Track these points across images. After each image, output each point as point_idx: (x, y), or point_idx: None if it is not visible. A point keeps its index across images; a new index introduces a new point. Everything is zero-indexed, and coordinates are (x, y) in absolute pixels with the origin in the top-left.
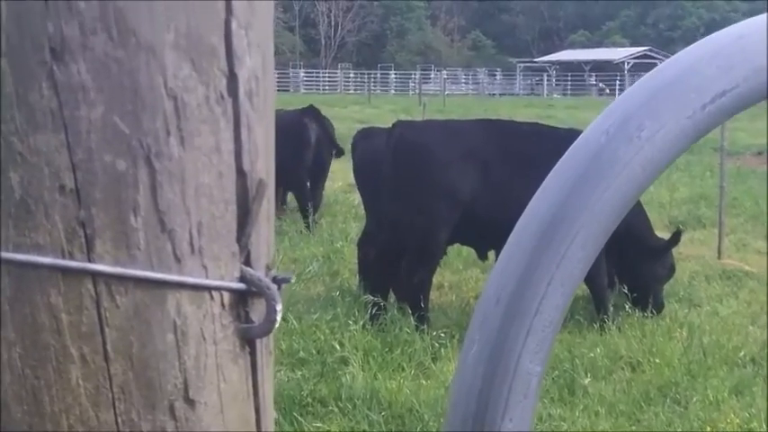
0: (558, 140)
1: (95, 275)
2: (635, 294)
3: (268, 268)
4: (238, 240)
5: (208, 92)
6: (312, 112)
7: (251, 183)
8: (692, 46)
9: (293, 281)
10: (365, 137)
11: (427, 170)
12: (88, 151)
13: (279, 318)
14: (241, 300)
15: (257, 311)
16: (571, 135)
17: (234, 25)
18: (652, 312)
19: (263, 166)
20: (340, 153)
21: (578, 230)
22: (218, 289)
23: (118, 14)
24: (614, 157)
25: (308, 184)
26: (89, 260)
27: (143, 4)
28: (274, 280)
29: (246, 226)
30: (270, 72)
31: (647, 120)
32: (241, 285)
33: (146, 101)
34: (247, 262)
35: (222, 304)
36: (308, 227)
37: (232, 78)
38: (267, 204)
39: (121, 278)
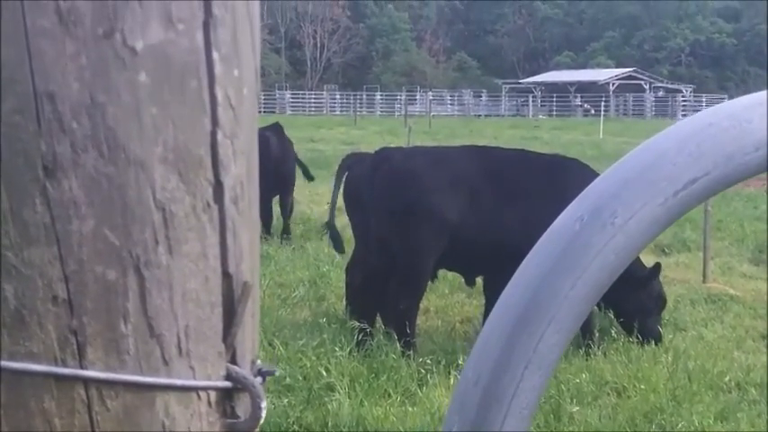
0: (543, 167)
1: (87, 381)
2: (622, 322)
3: (253, 362)
4: (224, 340)
5: (195, 201)
6: (275, 127)
7: (236, 284)
8: (662, 132)
9: (281, 308)
10: (357, 161)
11: (413, 197)
12: (80, 263)
13: (264, 414)
14: (227, 396)
15: (243, 406)
16: (556, 161)
17: (220, 136)
18: (648, 341)
19: (248, 267)
20: (309, 176)
21: (553, 316)
22: (205, 389)
23: (108, 132)
24: (588, 243)
25: (278, 195)
26: (81, 366)
27: (133, 121)
28: (259, 372)
29: (232, 326)
30: (254, 177)
31: (620, 207)
32: (227, 384)
33: (135, 213)
34: (233, 359)
35: (209, 402)
36: (287, 239)
37: (218, 186)
38: (252, 303)
39: (112, 383)
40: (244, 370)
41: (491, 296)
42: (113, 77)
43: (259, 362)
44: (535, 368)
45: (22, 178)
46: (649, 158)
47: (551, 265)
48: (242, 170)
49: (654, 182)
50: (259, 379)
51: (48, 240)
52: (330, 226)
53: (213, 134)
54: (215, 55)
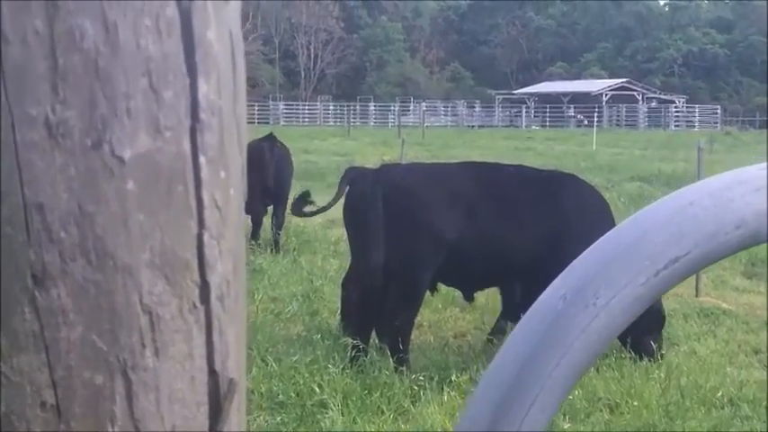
0: (541, 183)
1: None
2: (622, 339)
3: None
4: None
5: (181, 303)
6: (270, 138)
7: (222, 381)
8: (643, 211)
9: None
10: (358, 175)
11: (411, 213)
12: (68, 369)
13: None
14: None
15: None
16: (554, 177)
17: (206, 237)
18: (648, 358)
19: (235, 364)
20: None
21: (537, 394)
22: None
23: (97, 241)
24: (571, 323)
25: (272, 206)
26: None
27: (121, 228)
28: None
29: (218, 423)
30: (241, 272)
31: (603, 287)
32: None
33: (122, 318)
34: None
35: None
36: (276, 249)
37: (204, 287)
38: (238, 398)
39: None
40: None
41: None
42: (102, 187)
43: None
44: None
45: (11, 288)
46: (631, 237)
47: (535, 344)
48: (228, 268)
49: (636, 261)
50: None
51: (36, 348)
52: (303, 200)
53: (200, 236)
54: (201, 159)
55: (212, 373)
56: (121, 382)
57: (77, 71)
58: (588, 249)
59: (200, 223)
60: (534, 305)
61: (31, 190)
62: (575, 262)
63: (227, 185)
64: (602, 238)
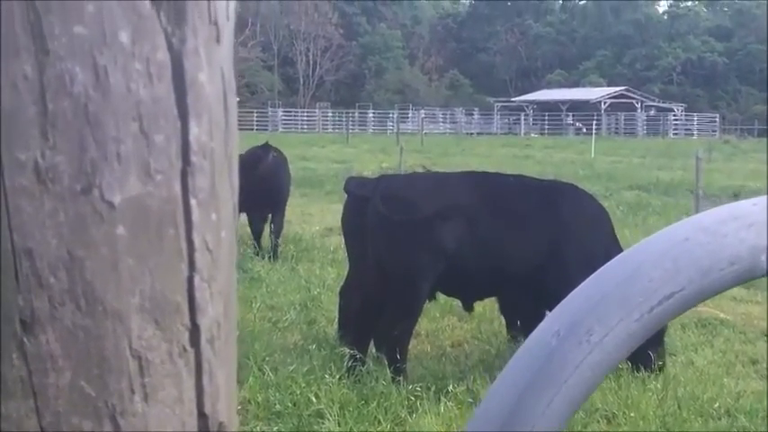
0: (541, 192)
1: None
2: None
3: None
4: None
5: (171, 347)
6: (267, 147)
7: (212, 424)
8: (638, 245)
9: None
10: (357, 185)
11: (410, 224)
12: (56, 415)
13: None
14: None
15: None
16: (554, 187)
17: (197, 280)
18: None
19: (225, 407)
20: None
21: (531, 430)
22: None
23: (86, 286)
24: (565, 360)
25: (270, 213)
26: None
27: (110, 273)
28: None
29: None
30: (232, 314)
31: (596, 324)
32: None
33: (111, 364)
34: None
35: None
36: (274, 256)
37: (194, 330)
38: None
39: None
40: None
41: (522, 321)
42: (91, 232)
43: None
44: None
45: None
46: (626, 272)
47: (528, 380)
48: (219, 310)
49: (629, 297)
50: None
51: (24, 394)
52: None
53: (190, 279)
54: (192, 202)
55: (202, 416)
56: (110, 427)
57: (67, 116)
58: (582, 285)
59: (191, 266)
60: (527, 341)
61: (19, 235)
62: (568, 297)
63: (219, 227)
64: (595, 273)
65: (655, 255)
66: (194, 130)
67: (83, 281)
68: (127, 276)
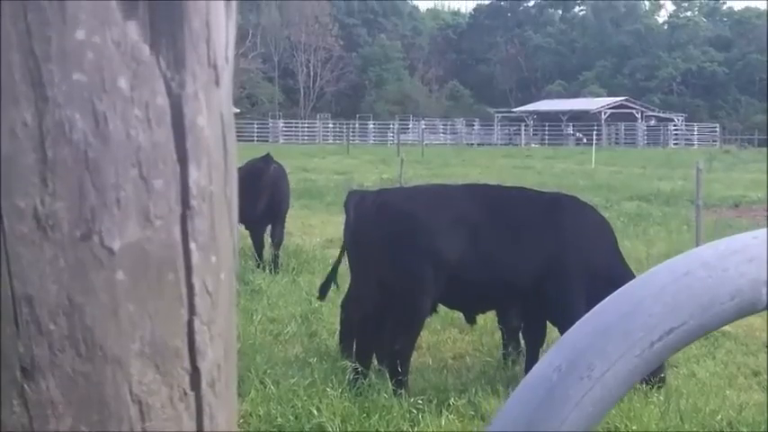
0: (543, 205)
1: None
2: None
3: None
4: None
5: (171, 392)
6: (267, 159)
7: None
8: (638, 280)
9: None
10: (358, 199)
11: (412, 238)
12: None
13: None
14: None
15: None
16: (556, 199)
17: (197, 324)
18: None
19: None
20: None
21: None
22: None
23: (86, 332)
24: (566, 395)
25: (270, 224)
26: None
27: (110, 319)
28: None
29: None
30: (232, 356)
31: (597, 359)
32: None
33: (111, 409)
34: None
35: None
36: (275, 267)
37: (195, 373)
38: None
39: None
40: None
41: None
42: (91, 278)
43: None
44: None
45: None
46: (626, 307)
47: (530, 416)
48: (219, 353)
49: (630, 332)
50: None
51: None
52: (332, 269)
53: (190, 323)
54: (192, 245)
55: None
56: None
57: (67, 163)
58: (583, 319)
59: (191, 310)
60: (528, 376)
61: (19, 282)
62: (569, 332)
63: (218, 269)
64: (596, 307)
65: (655, 289)
66: (194, 174)
67: (83, 327)
68: (127, 322)
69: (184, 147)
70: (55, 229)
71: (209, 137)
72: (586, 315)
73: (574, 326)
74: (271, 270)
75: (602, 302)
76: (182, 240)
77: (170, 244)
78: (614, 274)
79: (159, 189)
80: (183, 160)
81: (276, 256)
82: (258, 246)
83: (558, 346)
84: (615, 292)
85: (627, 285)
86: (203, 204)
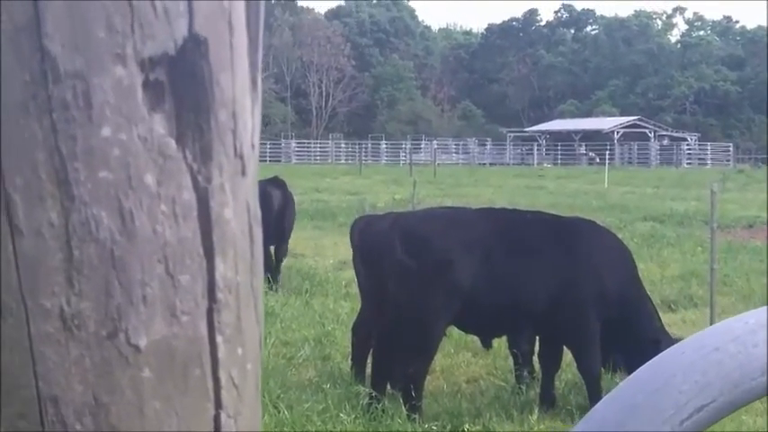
0: (561, 230)
1: None
2: None
3: None
4: None
5: None
6: (276, 181)
7: None
8: (668, 353)
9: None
10: (367, 224)
11: (425, 261)
12: None
13: None
14: None
15: None
16: (574, 224)
17: (223, 418)
18: None
19: None
20: None
21: None
22: None
23: (112, 431)
24: None
25: (273, 245)
26: None
27: (136, 417)
28: None
29: None
30: None
31: None
32: None
33: None
34: None
35: None
36: (275, 281)
37: None
38: None
39: None
40: None
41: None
42: (117, 377)
43: None
44: None
45: None
46: (656, 384)
47: None
48: None
49: (660, 410)
50: None
51: None
52: None
53: (217, 418)
54: (219, 339)
55: None
56: None
57: (93, 262)
58: (611, 393)
59: (217, 404)
60: None
61: (45, 383)
62: (597, 407)
63: (245, 361)
64: (624, 381)
65: (685, 365)
66: (220, 267)
67: (108, 425)
68: (153, 419)
69: (211, 240)
70: (81, 329)
71: (235, 228)
72: (615, 390)
73: (602, 400)
74: (272, 285)
75: (631, 377)
76: (208, 334)
77: (196, 339)
78: (630, 300)
79: (185, 284)
80: (209, 254)
81: (278, 268)
82: (268, 267)
83: (587, 422)
84: (643, 367)
85: (655, 360)
86: (230, 297)
